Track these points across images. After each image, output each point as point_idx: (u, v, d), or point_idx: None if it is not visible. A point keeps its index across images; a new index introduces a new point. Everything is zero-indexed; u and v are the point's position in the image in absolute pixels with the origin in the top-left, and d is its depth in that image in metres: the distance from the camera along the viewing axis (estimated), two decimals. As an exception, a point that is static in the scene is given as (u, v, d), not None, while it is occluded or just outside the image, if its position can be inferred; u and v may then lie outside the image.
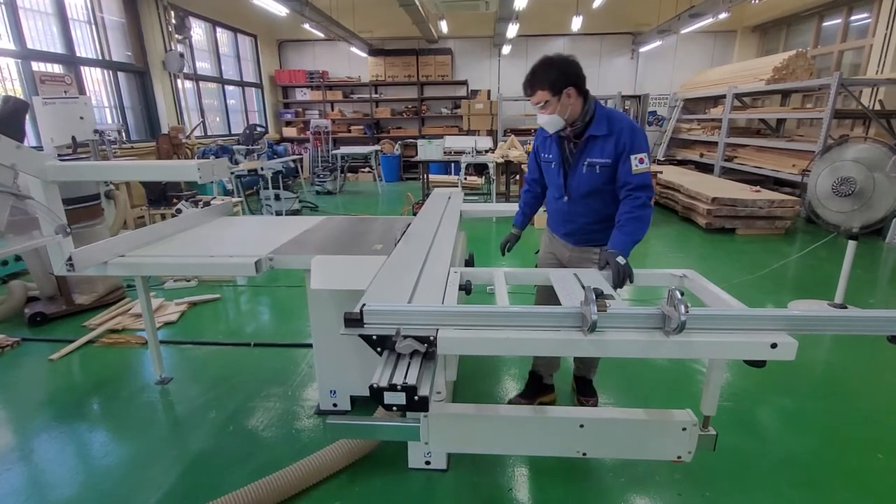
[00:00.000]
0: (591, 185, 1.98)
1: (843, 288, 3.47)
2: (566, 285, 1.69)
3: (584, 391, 2.48)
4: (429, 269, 1.75)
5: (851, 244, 3.39)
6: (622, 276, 1.75)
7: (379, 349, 1.27)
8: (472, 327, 1.30)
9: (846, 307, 3.47)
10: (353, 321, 1.29)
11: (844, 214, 3.31)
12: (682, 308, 1.20)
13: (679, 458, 1.54)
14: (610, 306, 1.28)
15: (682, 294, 1.23)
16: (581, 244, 2.12)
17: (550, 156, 2.09)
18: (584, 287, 1.46)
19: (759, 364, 1.29)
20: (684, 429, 1.49)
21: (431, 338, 1.24)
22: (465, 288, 1.76)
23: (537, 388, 2.46)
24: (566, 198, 2.06)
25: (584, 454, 1.52)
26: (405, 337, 1.24)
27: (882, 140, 3.34)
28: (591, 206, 2.03)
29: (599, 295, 1.25)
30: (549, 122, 1.93)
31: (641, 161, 1.88)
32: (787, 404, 2.44)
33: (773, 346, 1.23)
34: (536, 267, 2.28)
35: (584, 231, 2.09)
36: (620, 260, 1.76)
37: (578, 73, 1.88)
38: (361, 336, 1.27)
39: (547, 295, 1.94)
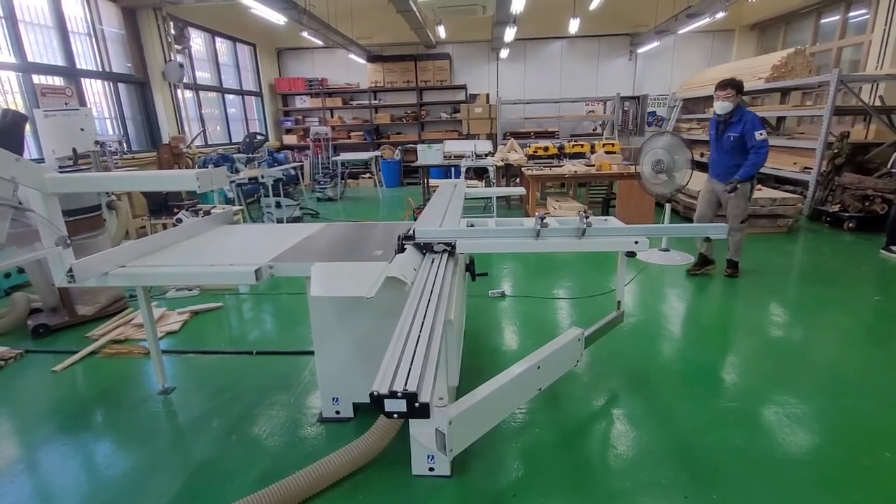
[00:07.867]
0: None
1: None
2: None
3: (731, 267, 4.17)
4: (448, 215, 2.61)
5: (668, 206, 4.82)
6: (733, 187, 3.88)
7: (424, 251, 2.05)
8: (474, 238, 2.14)
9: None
10: (409, 237, 2.07)
11: (662, 185, 4.59)
12: (585, 222, 2.06)
13: (577, 361, 2.38)
14: (549, 225, 2.11)
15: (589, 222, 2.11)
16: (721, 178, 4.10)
17: (712, 131, 4.17)
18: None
19: (630, 254, 2.21)
20: (579, 339, 2.35)
21: (453, 244, 2.06)
22: (470, 271, 2.48)
23: (704, 262, 4.28)
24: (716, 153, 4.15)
25: (540, 389, 2.10)
26: (438, 243, 2.06)
27: (675, 133, 4.50)
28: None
29: (543, 218, 2.10)
30: (722, 107, 3.91)
31: (761, 134, 3.79)
32: (793, 403, 2.42)
33: (636, 242, 2.06)
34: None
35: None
36: (736, 179, 3.86)
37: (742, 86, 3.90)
38: (415, 245, 2.05)
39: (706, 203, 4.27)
